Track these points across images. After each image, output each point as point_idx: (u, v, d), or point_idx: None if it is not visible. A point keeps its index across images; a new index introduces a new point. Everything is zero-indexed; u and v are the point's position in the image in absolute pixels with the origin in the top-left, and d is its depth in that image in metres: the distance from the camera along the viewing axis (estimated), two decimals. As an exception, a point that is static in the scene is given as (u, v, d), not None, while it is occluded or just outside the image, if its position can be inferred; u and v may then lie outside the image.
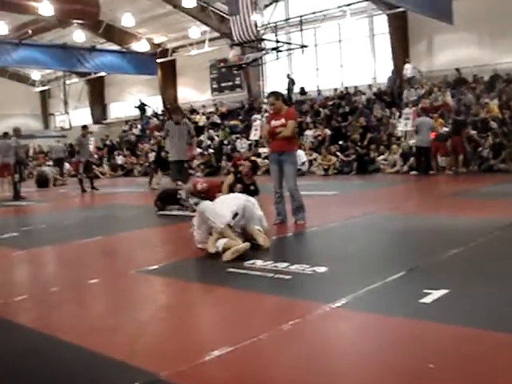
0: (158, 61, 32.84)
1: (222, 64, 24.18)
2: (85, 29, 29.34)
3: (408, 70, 22.99)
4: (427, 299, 4.01)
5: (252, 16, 19.52)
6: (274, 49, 21.62)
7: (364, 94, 24.11)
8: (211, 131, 27.45)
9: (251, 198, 6.81)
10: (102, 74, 34.76)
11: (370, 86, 24.58)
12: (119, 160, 28.72)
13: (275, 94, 8.22)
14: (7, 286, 5.47)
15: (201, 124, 28.65)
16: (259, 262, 5.49)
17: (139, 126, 33.31)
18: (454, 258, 5.43)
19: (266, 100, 11.81)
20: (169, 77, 34.28)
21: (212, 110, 30.58)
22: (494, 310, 3.84)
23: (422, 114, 17.32)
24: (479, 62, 20.98)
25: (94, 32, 30.19)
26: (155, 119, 32.74)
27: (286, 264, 5.34)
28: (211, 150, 24.74)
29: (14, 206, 14.26)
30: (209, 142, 26.25)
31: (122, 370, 3.17)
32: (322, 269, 5.10)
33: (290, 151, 8.05)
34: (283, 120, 7.89)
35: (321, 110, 24.41)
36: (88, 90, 38.31)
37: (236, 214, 6.16)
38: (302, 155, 18.58)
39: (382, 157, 18.84)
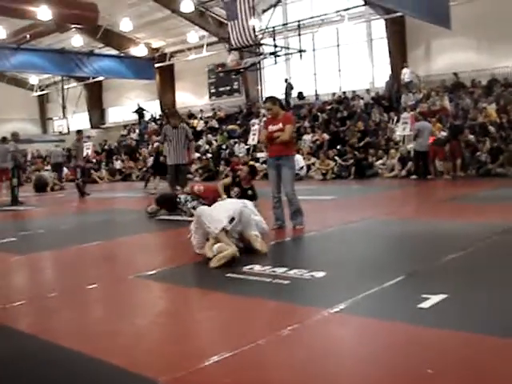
0: (156, 65, 32.87)
1: (220, 69, 24.25)
2: (83, 33, 29.34)
3: (406, 74, 23.03)
4: (425, 304, 4.01)
5: (250, 21, 19.57)
6: (272, 53, 21.69)
7: (362, 98, 24.14)
8: (209, 136, 27.47)
9: (248, 203, 6.81)
10: (100, 78, 34.80)
11: (367, 91, 24.62)
12: (117, 165, 28.73)
13: (272, 99, 8.25)
14: (5, 292, 5.46)
15: (199, 129, 28.69)
16: (257, 267, 5.50)
17: (137, 131, 33.33)
18: (452, 262, 5.44)
19: (263, 105, 11.81)
20: (167, 81, 34.32)
21: (210, 114, 30.61)
22: (493, 314, 3.84)
23: (421, 119, 17.35)
24: (477, 67, 21.03)
25: (93, 37, 30.22)
26: (153, 124, 32.75)
27: (284, 269, 5.34)
28: (209, 155, 24.76)
29: (12, 211, 14.24)
30: (207, 147, 26.26)
31: (120, 375, 3.17)
32: (321, 274, 5.11)
33: (288, 156, 8.07)
34: (280, 125, 7.91)
35: (319, 114, 24.45)
36: (86, 94, 38.31)
37: (232, 219, 6.16)
38: (300, 160, 18.62)
39: (380, 161, 18.87)
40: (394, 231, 7.80)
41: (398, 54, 24.04)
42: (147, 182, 17.51)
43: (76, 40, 29.13)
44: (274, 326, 3.82)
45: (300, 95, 27.16)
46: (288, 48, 23.45)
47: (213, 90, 32.04)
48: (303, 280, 4.96)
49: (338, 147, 20.57)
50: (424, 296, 4.16)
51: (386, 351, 3.36)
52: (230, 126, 27.50)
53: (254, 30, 19.94)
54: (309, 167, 19.89)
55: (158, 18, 28.69)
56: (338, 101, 25.09)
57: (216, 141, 26.74)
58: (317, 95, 26.85)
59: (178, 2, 24.97)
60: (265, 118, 18.14)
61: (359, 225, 8.37)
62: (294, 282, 4.90)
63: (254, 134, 22.90)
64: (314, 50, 27.24)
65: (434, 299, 4.10)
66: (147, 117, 34.31)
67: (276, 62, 22.39)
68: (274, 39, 22.40)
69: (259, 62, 23.11)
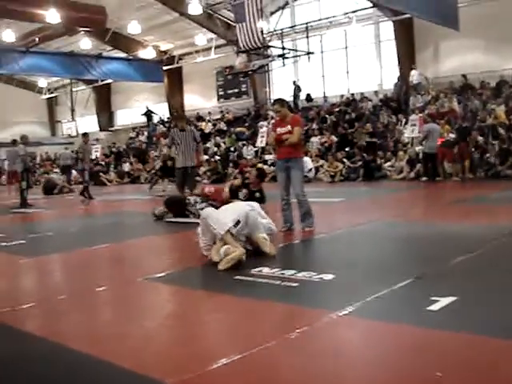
0: (165, 68, 32.91)
1: (228, 71, 24.25)
2: (91, 36, 29.49)
3: (414, 76, 22.97)
4: (435, 307, 4.00)
5: (258, 23, 19.58)
6: (280, 56, 21.67)
7: (370, 100, 24.11)
8: (218, 138, 27.49)
9: (256, 206, 6.81)
10: (109, 81, 34.84)
11: (376, 93, 24.59)
12: (126, 167, 28.79)
13: (280, 102, 8.26)
14: (15, 294, 5.48)
15: (207, 131, 28.71)
16: (266, 270, 5.49)
17: (146, 133, 33.40)
18: (461, 265, 5.42)
19: (272, 107, 11.74)
20: (175, 84, 34.38)
21: (218, 116, 30.63)
22: (503, 316, 3.82)
23: (429, 121, 17.29)
24: (485, 68, 20.93)
25: (101, 40, 30.35)
26: (162, 126, 32.82)
27: (293, 271, 5.34)
28: (218, 157, 24.78)
29: (22, 214, 14.30)
30: (215, 149, 26.28)
31: (129, 377, 3.17)
32: (329, 276, 5.10)
33: (297, 158, 8.08)
34: (289, 127, 7.92)
35: (327, 116, 24.41)
36: (95, 97, 38.48)
37: (238, 222, 6.15)
38: (308, 162, 18.59)
39: (388, 163, 18.83)
40: (402, 233, 7.77)
41: (407, 55, 24.00)
42: (153, 185, 17.54)
43: (84, 43, 29.24)
44: (283, 329, 3.82)
45: (308, 97, 27.15)
46: (296, 50, 23.44)
47: (221, 93, 32.10)
48: (312, 282, 4.95)
49: (347, 149, 20.54)
50: (433, 298, 4.15)
51: (395, 354, 3.35)
52: (239, 129, 27.53)
53: (262, 32, 19.95)
54: (317, 169, 19.86)
55: (166, 21, 28.74)
56: (346, 103, 25.05)
57: (224, 143, 26.76)
58: (325, 97, 26.83)
59: (186, 5, 25.06)
60: (273, 121, 18.19)
61: (368, 227, 8.35)
62: (303, 285, 4.89)
63: (263, 136, 22.91)
64: (322, 52, 27.23)
65: (444, 302, 4.09)
66: (156, 119, 34.37)
67: (284, 64, 22.39)
68: (282, 41, 22.41)
69: (267, 65, 23.10)
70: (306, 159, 17.43)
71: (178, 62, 33.08)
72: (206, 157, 22.46)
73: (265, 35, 20.77)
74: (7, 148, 17.44)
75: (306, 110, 25.86)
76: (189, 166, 11.62)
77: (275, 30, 23.12)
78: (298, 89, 26.65)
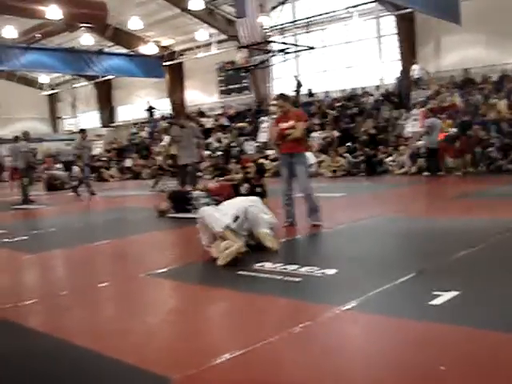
0: (166, 64, 32.85)
1: (229, 66, 24.27)
2: (92, 32, 29.44)
3: (415, 70, 22.91)
4: (437, 301, 4.01)
5: (259, 18, 19.58)
6: (281, 51, 21.64)
7: (372, 95, 24.06)
8: (219, 133, 27.45)
9: (257, 201, 6.81)
10: (110, 77, 34.82)
11: (377, 87, 24.52)
12: (127, 163, 28.78)
13: (284, 97, 8.28)
14: (17, 290, 5.50)
15: (208, 126, 28.67)
16: (268, 265, 5.50)
17: (147, 129, 33.36)
18: (463, 259, 5.42)
19: (275, 102, 11.64)
20: (176, 79, 34.30)
21: (220, 112, 30.60)
22: (506, 311, 3.83)
23: (431, 115, 17.27)
24: (487, 63, 20.87)
25: (102, 35, 30.29)
26: (163, 122, 32.77)
27: (295, 266, 5.34)
28: (219, 153, 24.75)
29: (24, 210, 14.32)
30: (217, 145, 26.25)
31: (132, 373, 3.18)
32: (332, 271, 5.10)
33: (300, 152, 8.08)
34: (292, 122, 7.91)
35: (328, 111, 24.37)
36: (96, 93, 38.42)
37: (237, 218, 6.15)
38: (310, 157, 18.56)
39: (390, 158, 18.81)
40: (404, 228, 7.78)
41: (408, 50, 23.91)
42: (156, 183, 17.52)
43: (85, 39, 29.21)
44: (286, 324, 3.82)
45: (309, 92, 27.09)
46: (297, 45, 23.39)
47: (222, 88, 32.03)
48: (314, 277, 4.96)
49: (348, 144, 20.52)
50: (435, 293, 4.15)
51: (397, 348, 3.35)
52: (240, 124, 27.49)
53: (262, 27, 19.93)
54: (319, 164, 19.82)
55: (167, 17, 28.66)
56: (347, 98, 25.01)
57: (226, 138, 26.72)
58: (326, 92, 26.74)
59: (187, 0, 24.98)
60: (275, 116, 18.17)
61: (370, 222, 8.35)
62: (306, 280, 4.89)
63: (264, 132, 22.89)
64: (323, 46, 27.14)
65: (446, 296, 4.09)
66: (157, 115, 34.33)
67: (285, 60, 22.37)
68: (283, 36, 22.37)
69: (268, 60, 23.08)
70: (308, 154, 17.37)
71: (179, 58, 33.02)
72: (207, 152, 22.43)
73: (266, 30, 20.75)
74: (9, 144, 17.43)
75: (308, 105, 25.75)
76: (190, 163, 11.62)
77: (276, 25, 23.09)
78: (299, 84, 26.59)
